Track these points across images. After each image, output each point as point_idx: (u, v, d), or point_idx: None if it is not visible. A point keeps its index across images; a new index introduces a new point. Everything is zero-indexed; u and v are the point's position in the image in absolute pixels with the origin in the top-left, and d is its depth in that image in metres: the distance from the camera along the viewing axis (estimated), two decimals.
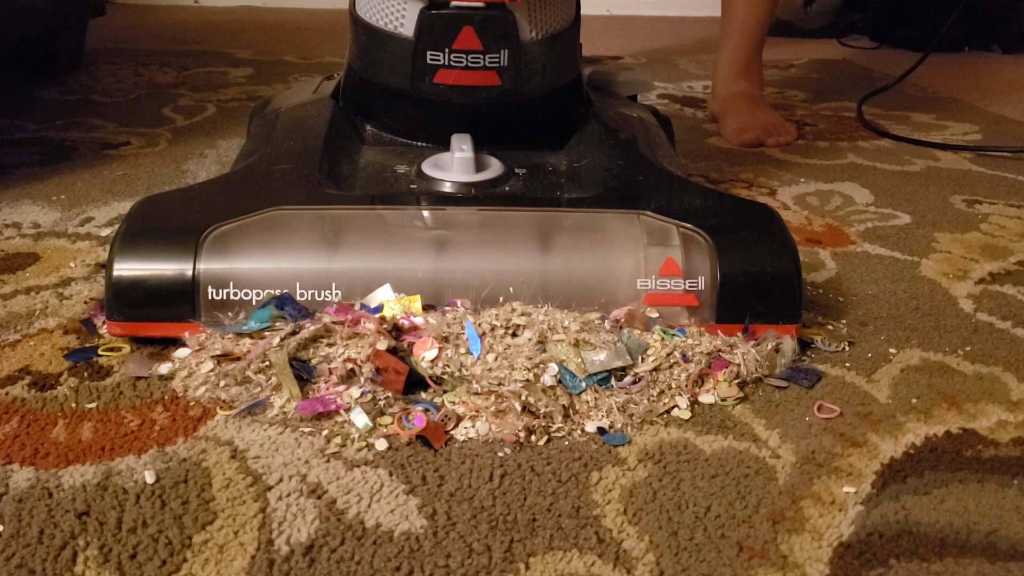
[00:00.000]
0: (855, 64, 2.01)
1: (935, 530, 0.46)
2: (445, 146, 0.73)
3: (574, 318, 0.62)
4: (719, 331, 0.62)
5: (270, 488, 0.48)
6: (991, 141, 1.30)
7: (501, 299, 0.63)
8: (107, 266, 0.61)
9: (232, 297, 0.61)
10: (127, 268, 0.61)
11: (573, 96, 0.80)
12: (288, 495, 0.47)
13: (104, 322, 0.64)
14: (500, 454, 0.52)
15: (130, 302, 0.61)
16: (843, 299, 0.73)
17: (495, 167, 0.72)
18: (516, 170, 0.73)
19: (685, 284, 0.62)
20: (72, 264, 0.76)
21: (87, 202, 0.91)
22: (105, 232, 0.83)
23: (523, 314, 0.62)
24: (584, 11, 0.81)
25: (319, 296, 0.62)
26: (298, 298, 0.61)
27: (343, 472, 0.49)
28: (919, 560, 0.44)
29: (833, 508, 0.48)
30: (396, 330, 0.62)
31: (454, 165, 0.71)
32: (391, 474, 0.49)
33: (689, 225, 0.64)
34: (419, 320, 0.62)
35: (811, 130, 1.36)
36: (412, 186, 0.71)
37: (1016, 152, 1.22)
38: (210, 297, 0.61)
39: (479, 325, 0.61)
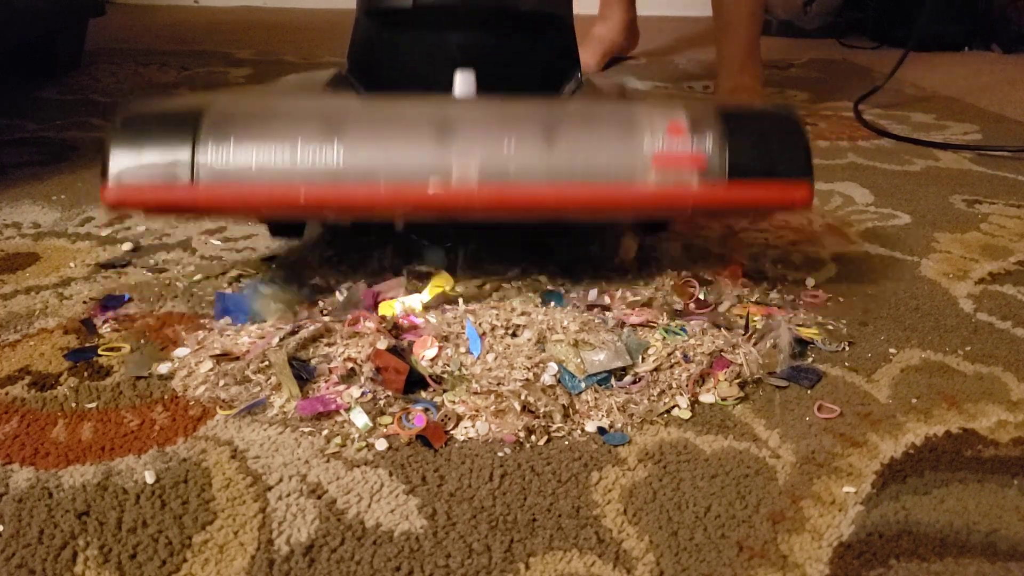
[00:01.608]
0: (855, 64, 2.01)
1: (935, 530, 0.46)
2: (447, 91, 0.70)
3: (574, 318, 0.62)
4: (733, 195, 0.60)
5: (270, 488, 0.48)
6: (991, 141, 1.30)
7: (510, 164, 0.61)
8: (106, 137, 0.61)
9: (230, 162, 0.59)
10: (126, 140, 0.60)
11: (566, 40, 0.78)
12: (288, 495, 0.47)
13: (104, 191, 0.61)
14: (500, 454, 0.52)
15: (128, 166, 0.60)
16: (843, 299, 0.73)
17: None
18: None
19: (693, 143, 0.61)
20: (72, 264, 0.76)
21: (87, 202, 0.91)
22: (105, 232, 0.83)
23: (523, 314, 0.62)
24: (585, 11, 0.83)
25: (320, 159, 0.59)
26: (294, 161, 0.59)
27: (343, 472, 0.49)
28: (919, 560, 0.44)
29: (833, 508, 0.48)
30: (396, 329, 0.62)
31: (457, 85, 0.69)
32: (391, 474, 0.49)
33: (695, 104, 0.63)
34: (419, 320, 0.62)
35: (811, 130, 1.36)
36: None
37: (1016, 151, 1.22)
38: (207, 163, 0.59)
39: (479, 325, 0.61)
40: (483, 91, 0.70)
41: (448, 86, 0.70)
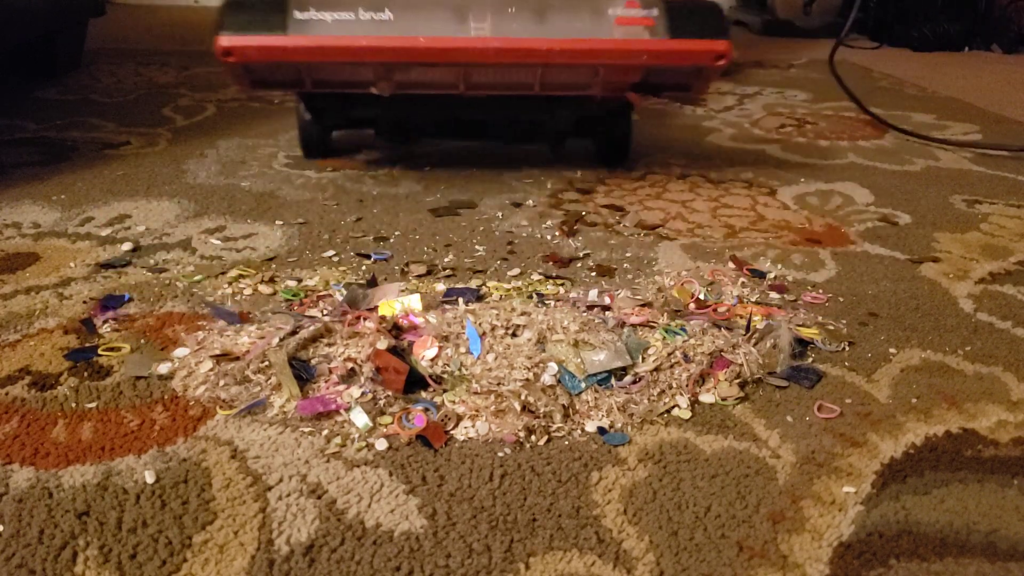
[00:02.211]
0: (855, 64, 2.01)
1: (935, 530, 0.46)
2: None
3: (574, 318, 0.62)
4: (672, 47, 0.85)
5: (270, 488, 0.48)
6: (991, 141, 1.30)
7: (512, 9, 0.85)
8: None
9: (313, 17, 0.82)
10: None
11: None
12: (288, 495, 0.47)
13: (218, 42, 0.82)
14: (500, 454, 0.52)
15: (236, 21, 0.82)
16: (843, 299, 0.73)
17: None
18: None
19: (643, 11, 0.85)
20: (72, 264, 0.76)
21: (87, 202, 0.91)
22: (105, 232, 0.83)
23: (523, 314, 0.62)
24: None
25: (376, 15, 0.82)
26: (357, 17, 0.83)
27: (343, 472, 0.49)
28: (919, 560, 0.44)
29: (833, 508, 0.48)
30: (396, 329, 0.62)
31: None
32: (391, 474, 0.49)
33: None
34: (419, 320, 0.62)
35: (812, 129, 1.36)
36: None
37: (1017, 151, 1.22)
38: (295, 16, 0.82)
39: (479, 325, 0.61)
40: None
41: None
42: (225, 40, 0.80)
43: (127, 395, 0.56)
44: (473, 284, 0.73)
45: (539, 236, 0.86)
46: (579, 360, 0.58)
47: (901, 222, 0.94)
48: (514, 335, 0.61)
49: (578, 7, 0.84)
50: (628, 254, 0.82)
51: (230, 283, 0.73)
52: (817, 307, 0.72)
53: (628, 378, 0.58)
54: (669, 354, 0.60)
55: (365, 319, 0.62)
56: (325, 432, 0.53)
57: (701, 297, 0.71)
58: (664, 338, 0.62)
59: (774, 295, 0.73)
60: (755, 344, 0.63)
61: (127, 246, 0.80)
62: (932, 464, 0.52)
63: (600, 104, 1.01)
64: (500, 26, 0.83)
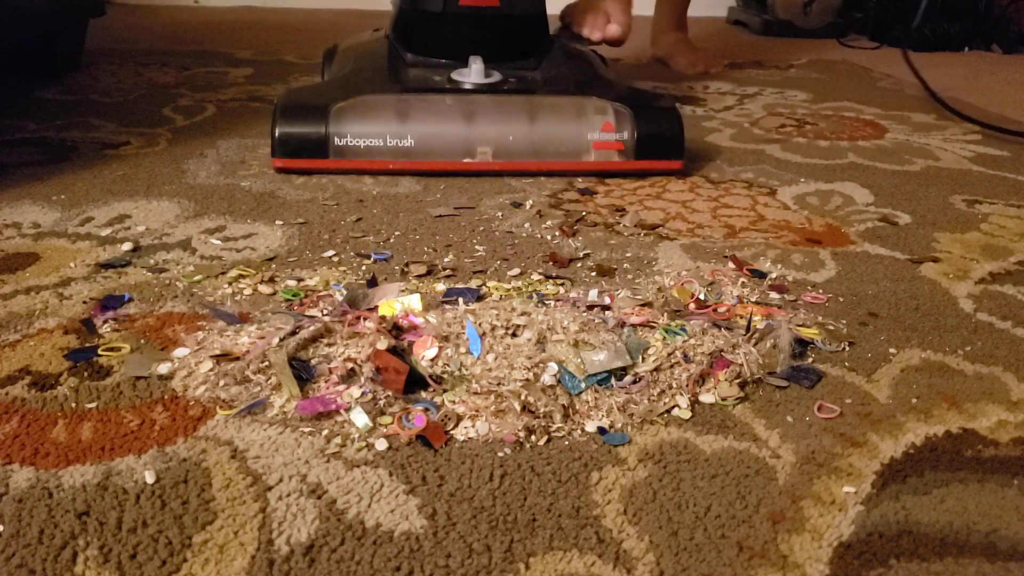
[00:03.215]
0: (855, 64, 2.01)
1: (935, 530, 0.46)
2: (462, 64, 1.12)
3: (574, 318, 0.62)
4: (638, 166, 1.06)
5: (270, 488, 0.48)
6: (991, 141, 1.30)
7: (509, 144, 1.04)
8: (272, 126, 1.01)
9: (349, 143, 1.01)
10: (286, 127, 1.01)
11: (542, 28, 1.21)
12: (288, 495, 0.47)
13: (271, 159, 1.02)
14: (500, 454, 0.52)
15: (287, 148, 1.01)
16: (843, 299, 0.73)
17: (496, 76, 1.12)
18: (509, 79, 1.13)
19: (616, 136, 1.04)
20: (72, 264, 0.76)
21: (87, 202, 0.91)
22: (105, 232, 0.83)
23: (523, 314, 0.62)
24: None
25: (400, 143, 1.01)
26: (385, 143, 1.01)
27: (343, 472, 0.49)
28: (919, 560, 0.44)
29: (833, 508, 0.48)
30: (396, 329, 0.62)
31: (471, 73, 1.11)
32: (391, 474, 0.49)
33: (619, 104, 1.05)
34: (419, 320, 0.62)
35: (812, 129, 1.36)
36: (447, 86, 1.11)
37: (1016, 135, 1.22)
38: (335, 143, 1.00)
39: (479, 325, 0.61)
40: (489, 63, 1.12)
41: (462, 58, 1.12)
42: (280, 163, 1.01)
43: (127, 395, 0.56)
44: (473, 284, 0.73)
45: (539, 236, 0.86)
46: (579, 360, 0.58)
47: (901, 222, 0.94)
48: (514, 335, 0.61)
49: (563, 127, 1.04)
50: (628, 254, 0.82)
51: (230, 283, 0.73)
52: (817, 307, 0.72)
53: (628, 378, 0.58)
54: (669, 354, 0.60)
55: (365, 319, 0.62)
56: (325, 432, 0.53)
57: (701, 297, 0.71)
58: (664, 338, 0.62)
59: (774, 295, 0.73)
60: (755, 344, 0.63)
61: (127, 246, 0.80)
62: (932, 464, 0.52)
63: None
64: (500, 148, 1.03)
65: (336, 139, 1.00)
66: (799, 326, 0.67)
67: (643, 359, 0.60)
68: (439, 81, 1.12)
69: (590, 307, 0.67)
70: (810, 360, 0.63)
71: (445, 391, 0.57)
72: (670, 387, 0.58)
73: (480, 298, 0.70)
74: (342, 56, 1.26)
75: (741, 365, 0.60)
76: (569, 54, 1.23)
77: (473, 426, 0.54)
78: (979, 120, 1.38)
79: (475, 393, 0.56)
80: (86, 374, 0.59)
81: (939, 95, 1.51)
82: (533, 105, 1.05)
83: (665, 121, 1.06)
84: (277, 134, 1.00)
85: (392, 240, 0.84)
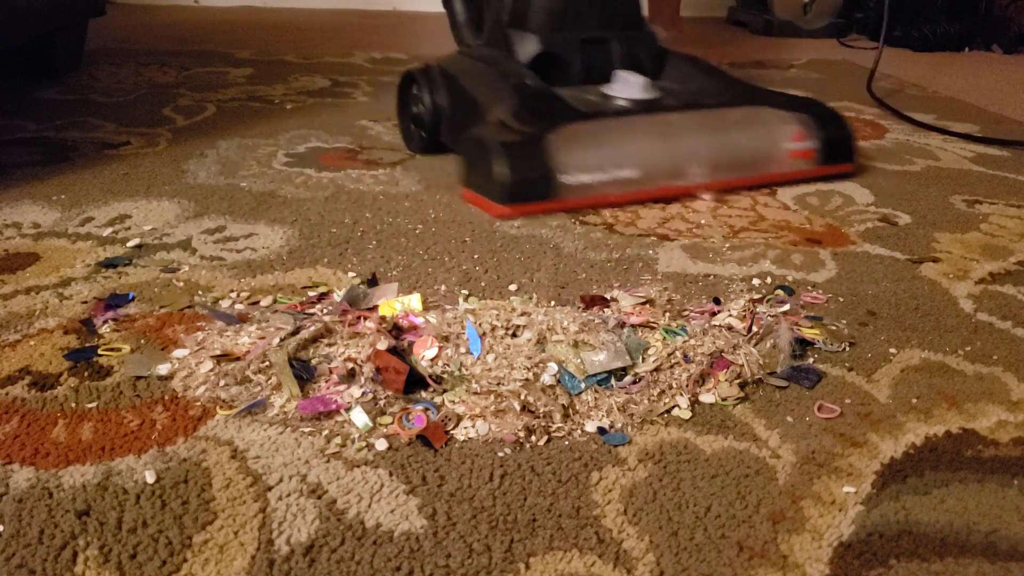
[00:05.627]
0: (855, 64, 2.01)
1: (935, 530, 0.46)
2: (593, 84, 1.10)
3: (574, 318, 0.62)
4: (823, 171, 1.07)
5: (270, 488, 0.48)
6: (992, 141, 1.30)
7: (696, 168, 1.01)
8: (487, 168, 0.92)
9: (570, 181, 0.92)
10: (512, 170, 0.90)
11: (654, 41, 1.20)
12: (288, 495, 0.47)
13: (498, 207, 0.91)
14: (500, 454, 0.52)
15: (515, 195, 0.91)
16: (843, 299, 0.73)
17: (651, 90, 1.07)
18: (666, 93, 1.09)
19: (807, 144, 1.05)
20: (72, 264, 0.76)
21: (87, 202, 0.91)
22: (105, 232, 0.83)
23: (523, 314, 0.62)
24: None
25: (619, 172, 0.95)
26: (603, 175, 0.94)
27: (343, 472, 0.49)
28: (919, 560, 0.44)
29: (833, 508, 0.48)
30: (396, 329, 0.62)
31: (633, 88, 1.06)
32: (391, 474, 0.49)
33: (800, 113, 1.06)
34: (419, 320, 0.62)
35: None
36: (618, 103, 1.06)
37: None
38: (560, 181, 0.91)
39: (479, 325, 0.61)
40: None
41: (592, 80, 1.11)
42: (508, 210, 0.91)
43: (127, 395, 0.56)
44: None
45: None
46: (579, 360, 0.58)
47: (901, 222, 0.94)
48: (514, 335, 0.61)
49: (761, 143, 1.04)
50: (628, 254, 0.82)
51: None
52: (817, 307, 0.72)
53: (628, 378, 0.58)
54: (669, 354, 0.60)
55: (365, 319, 0.62)
56: (325, 432, 0.53)
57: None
58: (664, 338, 0.62)
59: (773, 295, 0.73)
60: (755, 344, 0.63)
61: (128, 245, 0.80)
62: (932, 464, 0.52)
63: None
64: (708, 168, 1.00)
65: (560, 175, 0.91)
66: (799, 326, 0.66)
67: (643, 359, 0.60)
68: (597, 101, 1.06)
69: (589, 307, 0.67)
70: (810, 360, 0.63)
71: (445, 391, 0.57)
72: (670, 387, 0.58)
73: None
74: (462, 79, 1.09)
75: (741, 365, 0.60)
76: (687, 59, 1.20)
77: (473, 426, 0.54)
78: (921, 122, 1.38)
79: (475, 393, 0.56)
80: (86, 374, 0.59)
81: (880, 97, 1.54)
82: (726, 120, 1.04)
83: (840, 126, 1.08)
84: (507, 179, 0.89)
85: (392, 240, 0.84)
